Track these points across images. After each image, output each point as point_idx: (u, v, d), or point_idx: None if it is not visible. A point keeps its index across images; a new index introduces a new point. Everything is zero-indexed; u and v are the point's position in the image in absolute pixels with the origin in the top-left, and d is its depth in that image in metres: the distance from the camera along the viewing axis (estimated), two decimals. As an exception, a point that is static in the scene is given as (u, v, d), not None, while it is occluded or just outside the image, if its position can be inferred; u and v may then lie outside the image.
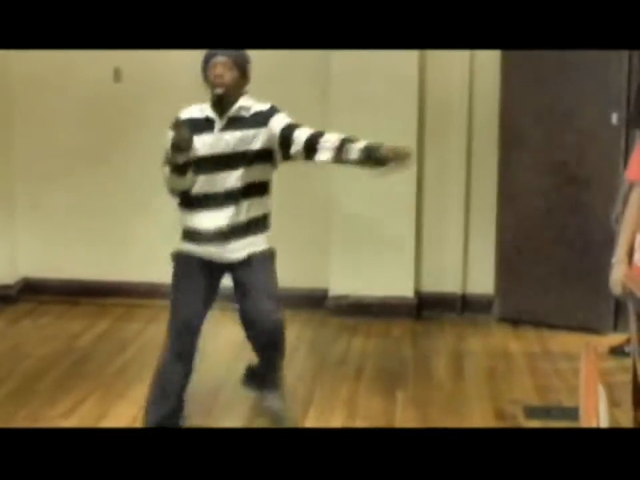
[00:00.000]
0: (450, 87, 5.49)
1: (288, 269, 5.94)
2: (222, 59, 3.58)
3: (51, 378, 4.59)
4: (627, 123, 4.96)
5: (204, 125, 3.59)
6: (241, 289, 3.65)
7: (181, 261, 3.71)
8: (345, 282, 5.65)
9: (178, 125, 3.48)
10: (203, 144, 3.56)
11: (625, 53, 4.95)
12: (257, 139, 3.59)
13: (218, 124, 3.60)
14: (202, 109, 3.63)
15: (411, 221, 5.54)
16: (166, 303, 5.51)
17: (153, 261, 5.89)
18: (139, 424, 4.01)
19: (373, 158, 3.36)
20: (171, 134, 3.52)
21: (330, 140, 3.49)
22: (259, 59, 5.34)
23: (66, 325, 5.49)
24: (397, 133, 5.45)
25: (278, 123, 3.57)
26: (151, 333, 5.33)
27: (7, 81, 5.82)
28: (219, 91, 3.57)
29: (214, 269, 3.68)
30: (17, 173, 5.93)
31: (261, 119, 3.58)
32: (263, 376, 3.81)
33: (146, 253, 5.88)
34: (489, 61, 5.37)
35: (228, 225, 3.61)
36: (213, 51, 3.60)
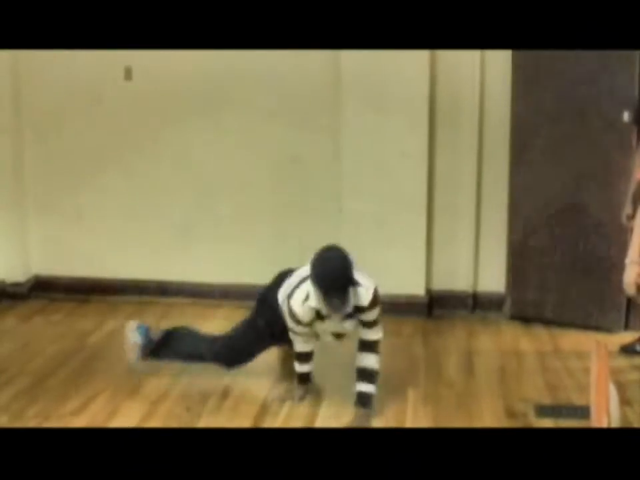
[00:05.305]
0: (461, 87, 5.46)
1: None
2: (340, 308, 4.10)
3: (61, 375, 4.60)
4: (635, 122, 4.95)
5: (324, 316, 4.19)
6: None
7: None
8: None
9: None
10: (327, 326, 4.23)
11: (636, 52, 4.93)
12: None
13: (336, 318, 4.17)
14: (320, 309, 4.13)
15: (422, 219, 5.52)
16: (175, 300, 5.55)
17: (164, 259, 5.91)
18: (149, 421, 4.03)
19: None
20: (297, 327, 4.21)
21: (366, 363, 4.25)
22: (270, 59, 5.39)
23: (77, 323, 5.50)
24: (407, 133, 5.45)
25: (366, 317, 4.17)
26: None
27: (17, 81, 5.82)
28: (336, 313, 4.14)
29: None
30: (27, 171, 5.94)
31: (359, 312, 4.16)
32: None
33: (156, 250, 5.89)
34: (499, 60, 5.35)
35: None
36: (334, 295, 4.01)
